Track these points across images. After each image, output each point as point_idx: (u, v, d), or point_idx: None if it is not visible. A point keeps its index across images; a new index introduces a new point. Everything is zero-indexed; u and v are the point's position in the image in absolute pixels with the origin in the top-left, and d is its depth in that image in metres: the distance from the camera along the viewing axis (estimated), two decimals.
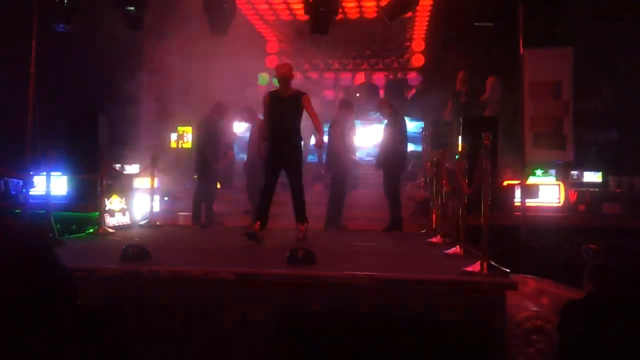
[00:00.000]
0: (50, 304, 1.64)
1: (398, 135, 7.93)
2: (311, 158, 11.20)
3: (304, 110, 6.74)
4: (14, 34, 8.94)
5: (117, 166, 11.25)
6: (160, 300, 4.37)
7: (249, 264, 4.99)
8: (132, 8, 9.25)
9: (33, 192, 8.10)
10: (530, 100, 10.06)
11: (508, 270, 4.40)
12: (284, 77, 6.73)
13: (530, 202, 7.88)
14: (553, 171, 9.64)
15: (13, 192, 9.20)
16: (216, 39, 10.01)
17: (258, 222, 6.54)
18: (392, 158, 7.80)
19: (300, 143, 6.88)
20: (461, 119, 8.06)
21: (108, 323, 4.41)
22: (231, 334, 4.25)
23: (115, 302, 4.41)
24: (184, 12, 10.34)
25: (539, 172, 9.58)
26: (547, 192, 8.42)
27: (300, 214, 6.74)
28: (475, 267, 4.41)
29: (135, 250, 5.03)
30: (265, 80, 14.82)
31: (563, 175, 9.64)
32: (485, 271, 4.34)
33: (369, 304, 4.22)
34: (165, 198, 10.04)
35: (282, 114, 6.71)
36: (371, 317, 4.21)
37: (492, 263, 4.44)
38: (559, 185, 8.44)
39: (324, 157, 8.51)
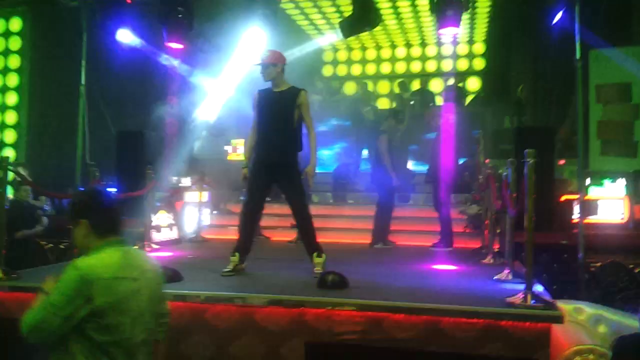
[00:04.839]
0: None
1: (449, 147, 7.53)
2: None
3: (301, 113, 5.37)
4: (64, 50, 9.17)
5: (174, 179, 11.36)
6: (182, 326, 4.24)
7: (271, 288, 4.70)
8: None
9: None
10: (598, 104, 9.49)
11: (553, 301, 4.00)
12: (267, 62, 5.29)
13: (590, 219, 7.29)
14: (623, 180, 8.97)
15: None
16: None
17: (237, 255, 5.35)
18: (442, 171, 7.41)
19: (298, 153, 5.49)
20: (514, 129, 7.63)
21: None
22: None
23: None
24: (240, 22, 10.25)
25: (607, 182, 8.93)
26: (609, 207, 7.75)
27: (313, 244, 5.42)
28: (518, 297, 4.05)
29: (167, 273, 4.97)
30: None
31: (633, 185, 8.96)
32: (528, 302, 3.97)
33: (401, 337, 3.92)
34: (215, 212, 10.01)
35: (275, 114, 5.35)
36: (404, 350, 3.92)
37: (536, 293, 4.07)
38: (622, 200, 7.77)
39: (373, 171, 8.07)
